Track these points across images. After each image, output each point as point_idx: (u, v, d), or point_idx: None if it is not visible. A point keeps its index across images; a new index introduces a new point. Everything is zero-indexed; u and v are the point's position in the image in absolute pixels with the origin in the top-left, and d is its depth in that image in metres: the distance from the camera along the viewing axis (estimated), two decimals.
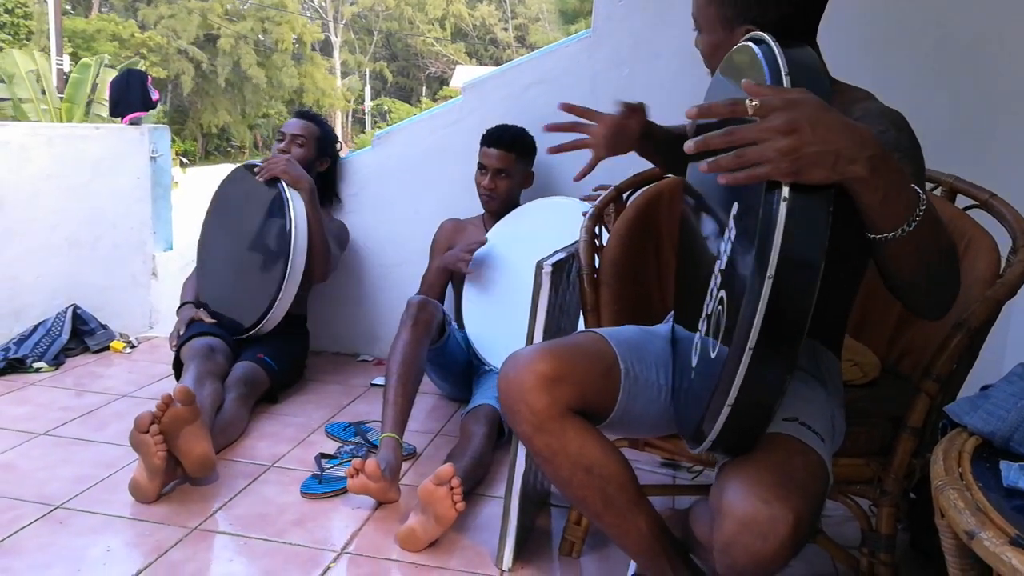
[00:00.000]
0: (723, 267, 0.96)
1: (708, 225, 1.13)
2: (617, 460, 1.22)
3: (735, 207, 0.95)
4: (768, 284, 0.81)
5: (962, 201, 1.55)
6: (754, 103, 0.83)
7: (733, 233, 0.94)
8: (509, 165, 2.53)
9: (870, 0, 2.44)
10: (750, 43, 0.98)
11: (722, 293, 0.94)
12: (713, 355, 0.94)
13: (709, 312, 0.99)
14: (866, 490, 1.38)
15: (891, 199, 0.87)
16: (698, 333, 1.05)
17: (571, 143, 1.41)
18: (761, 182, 0.83)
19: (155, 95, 3.29)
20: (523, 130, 2.59)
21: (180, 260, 3.10)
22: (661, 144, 1.47)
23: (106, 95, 3.02)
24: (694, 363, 1.06)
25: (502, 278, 2.46)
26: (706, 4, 1.24)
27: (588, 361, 1.22)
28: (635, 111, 1.41)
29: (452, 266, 2.43)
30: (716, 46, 1.24)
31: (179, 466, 1.83)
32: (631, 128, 1.41)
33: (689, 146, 0.88)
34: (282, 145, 2.70)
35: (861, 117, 1.07)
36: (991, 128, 2.43)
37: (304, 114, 2.82)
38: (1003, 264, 1.40)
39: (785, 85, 0.87)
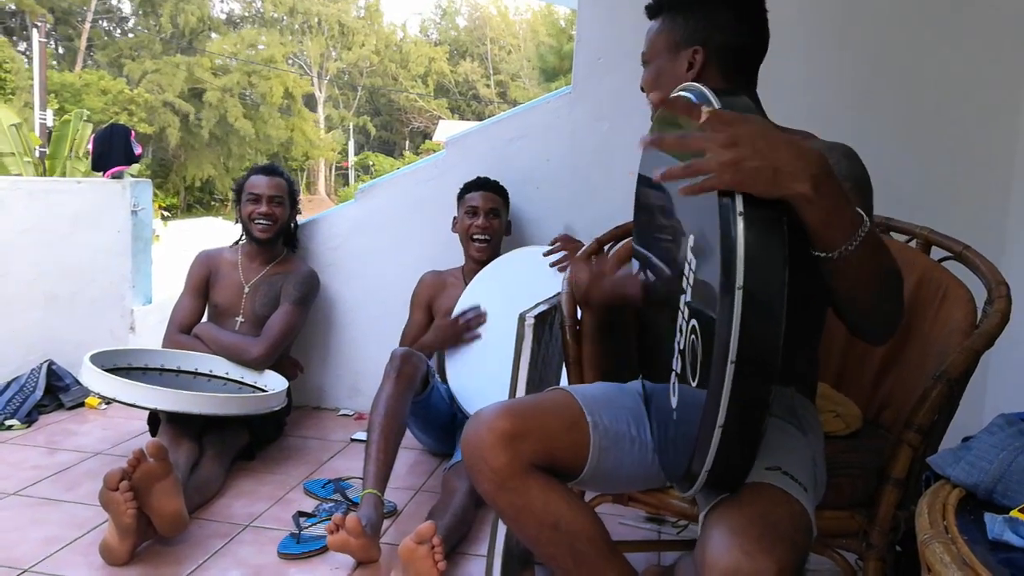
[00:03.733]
0: (689, 299, 0.98)
1: (664, 273, 1.14)
2: (585, 514, 1.20)
3: (691, 240, 0.98)
4: (739, 295, 0.83)
5: (937, 253, 1.57)
6: (708, 109, 0.89)
7: (694, 264, 0.96)
8: (499, 205, 2.59)
9: (842, 66, 2.51)
10: (684, 92, 1.01)
11: (693, 323, 0.96)
12: (694, 384, 0.94)
13: (682, 348, 0.99)
14: (852, 543, 1.36)
15: (833, 218, 0.90)
16: (672, 375, 1.05)
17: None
18: (709, 194, 0.87)
19: (138, 149, 3.32)
20: (494, 180, 2.66)
21: (159, 314, 3.07)
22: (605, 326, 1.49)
23: (87, 149, 3.03)
24: (674, 405, 1.06)
25: (484, 330, 2.45)
26: (657, 32, 1.33)
27: (551, 417, 1.20)
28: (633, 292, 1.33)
29: (453, 341, 2.44)
30: (659, 73, 1.32)
31: (150, 525, 1.78)
32: (610, 292, 1.34)
33: (644, 138, 0.94)
34: (262, 208, 2.63)
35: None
36: (962, 183, 2.48)
37: (272, 170, 2.75)
38: (979, 314, 1.41)
39: None
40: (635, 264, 1.35)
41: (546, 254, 2.47)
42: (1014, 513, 0.79)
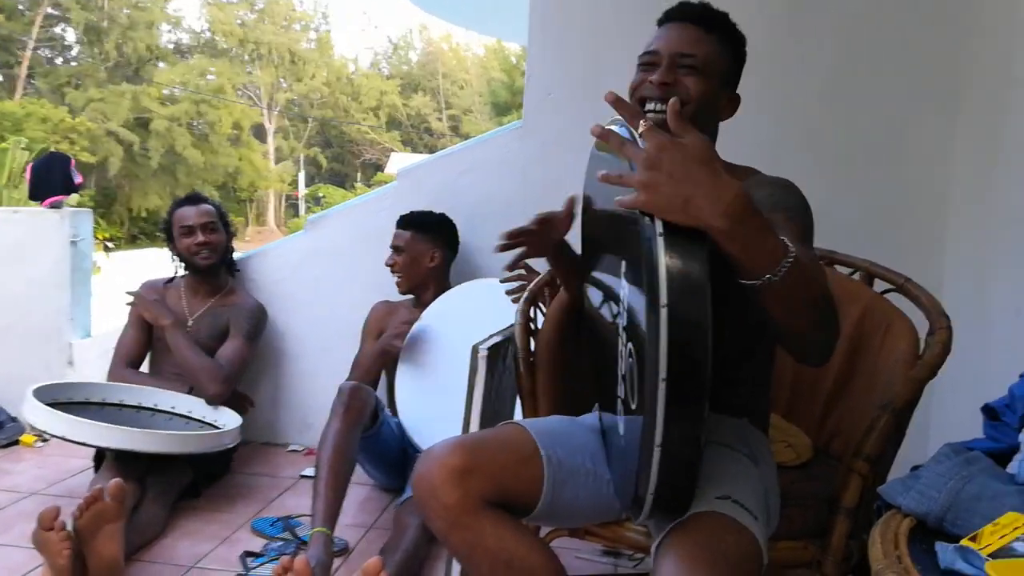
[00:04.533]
0: (625, 324, 0.99)
1: (607, 300, 1.16)
2: (539, 551, 1.18)
3: (623, 266, 1.00)
4: (664, 312, 0.85)
5: (880, 286, 1.61)
6: (648, 124, 0.92)
7: (626, 290, 0.98)
8: (403, 242, 2.59)
9: (786, 104, 2.59)
10: (619, 129, 1.03)
11: (629, 345, 0.97)
12: (634, 407, 0.95)
13: (623, 373, 1.00)
14: (806, 574, 1.37)
15: (751, 251, 0.91)
16: (619, 402, 1.05)
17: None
18: (633, 216, 0.90)
19: (78, 179, 3.21)
20: (428, 212, 2.66)
21: (98, 348, 2.97)
22: (570, 263, 1.47)
23: (24, 178, 2.92)
24: (622, 432, 1.06)
25: (436, 362, 2.43)
26: (719, 53, 1.26)
27: (503, 452, 1.19)
28: (568, 217, 1.40)
29: (387, 345, 2.41)
30: (712, 95, 1.25)
31: (85, 569, 1.69)
32: (557, 229, 1.39)
33: (594, 128, 0.98)
34: (198, 239, 2.58)
35: (749, 187, 1.11)
36: (902, 217, 2.57)
37: (196, 198, 2.70)
38: (922, 345, 1.45)
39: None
40: (591, 291, 1.35)
41: (503, 280, 2.45)
42: (964, 542, 0.80)
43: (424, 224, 2.62)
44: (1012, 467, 0.92)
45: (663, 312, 0.85)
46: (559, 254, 1.43)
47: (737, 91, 1.32)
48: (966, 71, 2.47)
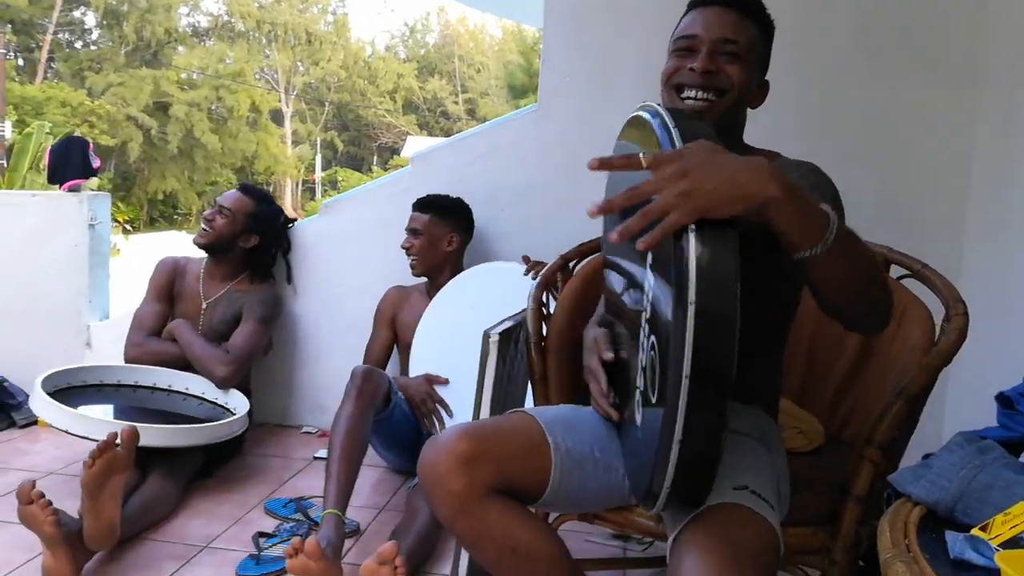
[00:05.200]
0: (648, 316, 0.98)
1: (629, 288, 1.14)
2: (546, 537, 1.18)
3: (649, 258, 0.98)
4: (691, 309, 0.83)
5: (896, 272, 1.59)
6: (647, 155, 0.88)
7: (652, 281, 0.96)
8: (421, 225, 2.57)
9: (800, 89, 2.55)
10: (641, 112, 1.02)
11: (652, 339, 0.95)
12: (654, 400, 0.94)
13: (644, 365, 0.99)
14: (815, 560, 1.37)
15: (803, 218, 0.91)
16: (636, 392, 1.04)
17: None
18: (674, 231, 0.85)
19: (96, 163, 3.22)
20: (445, 195, 2.65)
21: (117, 330, 2.99)
22: None
23: (45, 162, 2.95)
24: (639, 423, 1.05)
25: (448, 345, 2.43)
26: (758, 37, 1.23)
27: (510, 439, 1.19)
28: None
29: (417, 399, 2.39)
30: (748, 81, 1.21)
31: (79, 538, 1.70)
32: None
33: (592, 209, 0.91)
34: (207, 213, 2.66)
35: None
36: (918, 202, 2.53)
37: (243, 187, 2.78)
38: (938, 331, 1.43)
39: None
40: (608, 275, 1.34)
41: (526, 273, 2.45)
42: (975, 531, 0.79)
43: (443, 208, 2.61)
44: None
45: (691, 309, 0.83)
46: None
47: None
48: (984, 45, 2.41)
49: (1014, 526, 0.77)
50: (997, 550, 0.75)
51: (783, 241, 0.93)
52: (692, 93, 1.20)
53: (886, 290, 1.05)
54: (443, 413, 2.36)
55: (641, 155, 0.89)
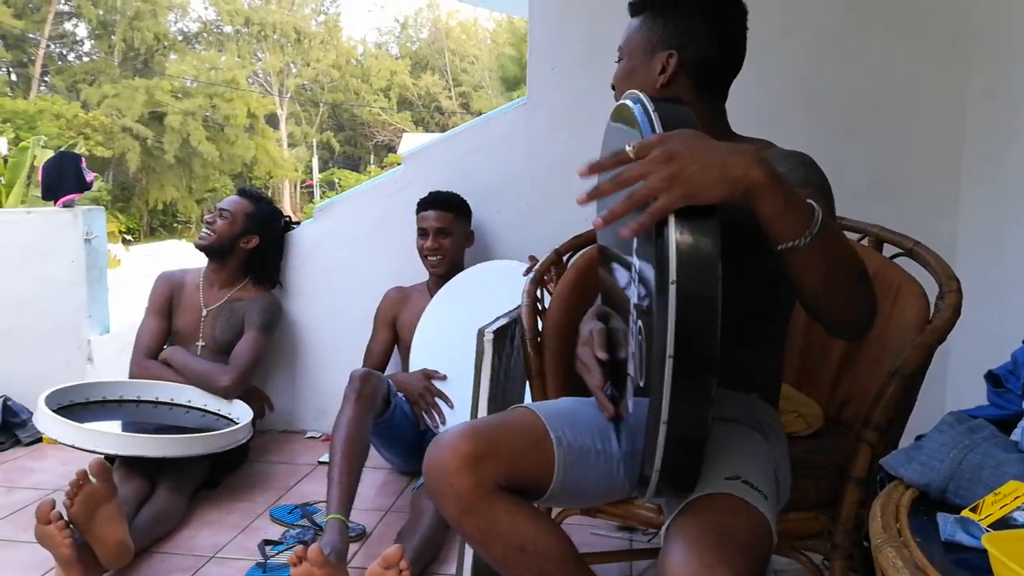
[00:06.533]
0: (635, 302, 0.98)
1: (620, 275, 1.14)
2: (553, 534, 1.18)
3: (635, 243, 0.98)
4: (672, 289, 0.83)
5: (889, 251, 1.59)
6: (633, 147, 0.88)
7: (638, 266, 0.97)
8: (448, 224, 2.55)
9: (788, 64, 2.53)
10: (628, 102, 1.01)
11: (639, 323, 0.96)
12: (642, 384, 0.94)
13: (633, 350, 0.99)
14: (817, 544, 1.37)
15: (787, 206, 0.91)
16: (628, 379, 1.04)
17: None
18: (664, 216, 0.85)
19: (90, 177, 3.22)
20: (455, 193, 2.63)
21: (118, 343, 3.00)
22: None
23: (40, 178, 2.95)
24: (630, 409, 1.05)
25: (448, 344, 2.43)
26: (636, 30, 1.32)
27: (514, 436, 1.19)
28: None
29: (415, 395, 2.38)
30: (631, 71, 1.31)
31: (95, 558, 1.71)
32: None
33: (581, 199, 0.91)
34: (208, 217, 2.69)
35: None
36: (911, 179, 2.51)
37: (241, 191, 2.81)
38: (932, 310, 1.43)
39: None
40: (603, 264, 1.34)
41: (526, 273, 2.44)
42: (965, 513, 0.79)
43: (461, 205, 2.62)
44: (1016, 435, 0.90)
45: (672, 289, 0.83)
46: None
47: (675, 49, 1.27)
48: (975, 16, 2.39)
49: (1004, 506, 0.77)
50: (987, 531, 0.75)
51: (766, 230, 0.93)
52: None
53: (869, 294, 1.03)
54: (443, 406, 2.36)
55: (627, 147, 0.89)
